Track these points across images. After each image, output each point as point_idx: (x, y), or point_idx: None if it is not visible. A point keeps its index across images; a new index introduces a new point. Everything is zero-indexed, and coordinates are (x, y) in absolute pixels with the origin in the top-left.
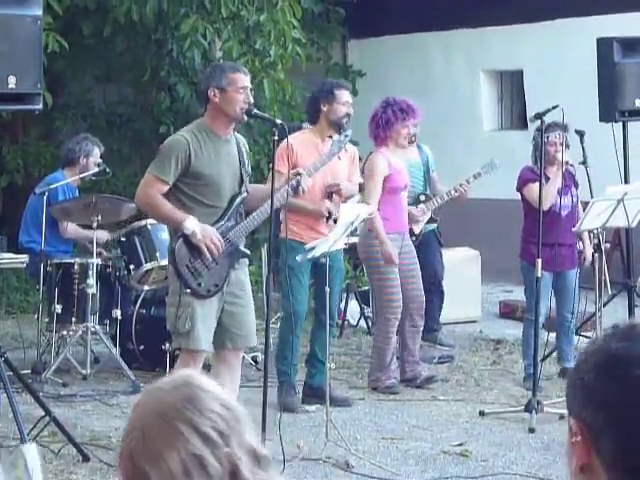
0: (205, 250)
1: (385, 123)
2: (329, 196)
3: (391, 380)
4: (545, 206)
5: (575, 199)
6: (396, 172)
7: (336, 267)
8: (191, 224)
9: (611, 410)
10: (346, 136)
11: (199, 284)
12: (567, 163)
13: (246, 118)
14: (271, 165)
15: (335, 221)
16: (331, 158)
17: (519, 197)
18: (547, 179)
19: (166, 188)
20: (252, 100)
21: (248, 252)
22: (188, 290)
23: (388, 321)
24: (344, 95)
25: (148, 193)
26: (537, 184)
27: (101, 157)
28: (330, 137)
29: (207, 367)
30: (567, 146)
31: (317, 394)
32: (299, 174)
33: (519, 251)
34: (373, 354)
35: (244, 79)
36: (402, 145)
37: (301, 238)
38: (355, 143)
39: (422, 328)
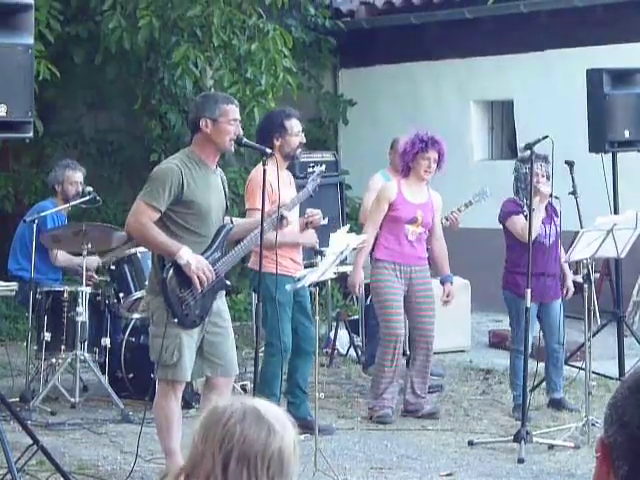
0: (196, 281)
1: (403, 152)
2: (305, 227)
3: (384, 410)
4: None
5: (558, 228)
6: (403, 202)
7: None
8: (186, 254)
9: (631, 432)
10: (318, 175)
11: (186, 315)
12: (551, 195)
13: (233, 149)
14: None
15: (318, 252)
16: (307, 196)
17: None
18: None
19: (158, 216)
20: (241, 132)
21: (229, 283)
22: (175, 320)
23: (385, 350)
24: (295, 125)
25: (140, 221)
26: (520, 217)
27: (90, 185)
28: (304, 177)
29: (197, 395)
30: (548, 177)
31: (300, 425)
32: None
33: (502, 282)
34: (371, 382)
35: (235, 111)
36: (422, 178)
37: (287, 271)
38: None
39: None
